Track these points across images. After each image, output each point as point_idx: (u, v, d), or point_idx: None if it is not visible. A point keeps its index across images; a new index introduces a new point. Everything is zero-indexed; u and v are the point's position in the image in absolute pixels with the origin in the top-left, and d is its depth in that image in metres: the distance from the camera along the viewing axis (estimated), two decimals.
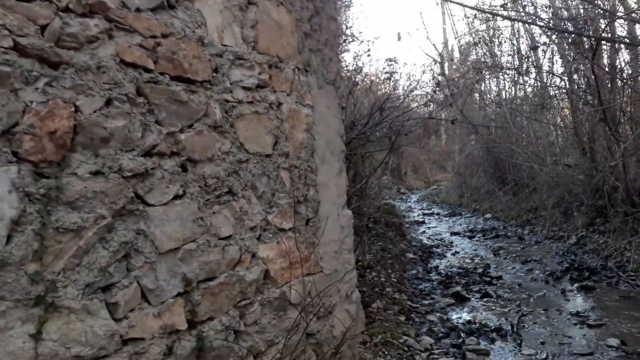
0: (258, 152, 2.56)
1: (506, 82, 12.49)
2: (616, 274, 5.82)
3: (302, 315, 2.67)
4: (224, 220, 2.28)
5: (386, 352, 3.73)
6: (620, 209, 7.24)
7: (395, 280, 5.91)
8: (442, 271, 6.78)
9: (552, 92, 9.50)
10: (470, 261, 7.41)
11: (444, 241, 9.17)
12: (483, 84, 13.11)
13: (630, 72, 7.08)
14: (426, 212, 13.78)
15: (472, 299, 5.50)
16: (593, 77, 6.43)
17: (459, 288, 5.66)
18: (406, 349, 3.92)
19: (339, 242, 3.25)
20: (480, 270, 6.67)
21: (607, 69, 6.92)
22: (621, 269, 5.95)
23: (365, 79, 9.05)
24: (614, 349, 3.74)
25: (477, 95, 13.18)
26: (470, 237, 9.36)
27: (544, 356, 3.76)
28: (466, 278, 6.33)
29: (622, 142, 6.80)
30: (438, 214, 13.22)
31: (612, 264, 6.18)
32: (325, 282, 3.02)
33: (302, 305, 2.76)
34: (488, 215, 11.53)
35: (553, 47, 8.21)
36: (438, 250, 8.37)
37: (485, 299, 5.47)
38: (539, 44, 7.56)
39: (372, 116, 7.61)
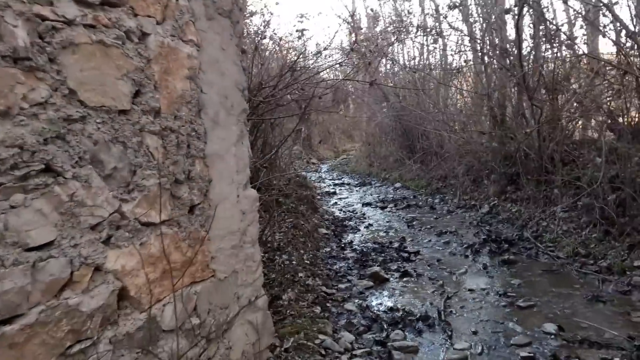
0: (104, 106, 1.63)
1: (416, 48, 12.18)
2: (534, 245, 5.63)
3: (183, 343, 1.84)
4: (35, 217, 1.36)
5: None
6: (532, 176, 7.17)
7: (308, 262, 5.24)
8: (357, 247, 6.24)
9: (466, 57, 9.26)
10: (384, 234, 6.96)
11: (357, 213, 8.70)
12: (395, 49, 12.72)
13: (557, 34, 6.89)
14: (337, 182, 13.33)
15: (392, 279, 4.99)
16: (516, 36, 6.09)
17: (376, 268, 5.11)
18: (323, 351, 3.26)
19: (239, 233, 2.43)
20: (396, 245, 6.22)
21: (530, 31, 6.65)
22: (538, 239, 5.78)
23: (275, 36, 8.13)
24: (552, 336, 3.37)
25: (389, 61, 12.77)
26: (382, 208, 8.98)
27: (479, 350, 3.29)
28: (383, 254, 5.84)
29: (539, 108, 6.62)
30: (349, 184, 12.81)
31: (529, 234, 6.03)
32: (219, 290, 2.20)
33: (184, 330, 1.93)
34: (398, 185, 11.30)
35: (472, 7, 7.86)
36: (351, 223, 7.86)
37: (405, 279, 4.99)
38: (457, 3, 7.13)
39: (283, 77, 6.74)
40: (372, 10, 16.09)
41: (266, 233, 5.58)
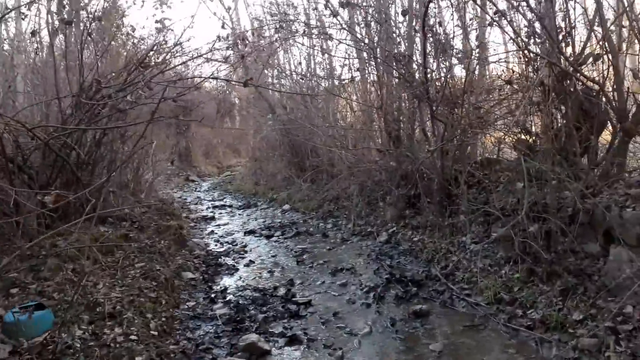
0: None
1: (302, 53, 11.13)
2: (446, 286, 4.67)
3: None
4: None
5: None
6: (433, 200, 6.33)
7: (156, 332, 3.70)
8: (232, 298, 4.79)
9: (355, 65, 8.34)
10: (269, 275, 5.61)
11: (237, 244, 7.25)
12: (280, 56, 11.55)
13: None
14: (217, 203, 11.74)
15: (274, 350, 3.64)
16: (422, 40, 5.18)
17: (254, 336, 3.70)
18: None
19: None
20: (282, 292, 4.90)
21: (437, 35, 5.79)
22: (450, 278, 4.84)
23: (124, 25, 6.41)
24: None
25: (273, 68, 11.56)
26: (268, 237, 7.64)
27: None
28: (265, 308, 4.47)
29: (442, 122, 5.78)
30: (231, 206, 11.29)
31: (438, 271, 5.07)
32: None
33: None
34: (286, 207, 10.05)
35: (370, 5, 6.90)
36: (228, 260, 6.39)
37: (293, 348, 3.69)
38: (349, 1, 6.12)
39: (130, 74, 5.11)
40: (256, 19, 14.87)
41: (94, 291, 3.93)
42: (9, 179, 5.18)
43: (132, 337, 3.40)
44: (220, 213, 10.33)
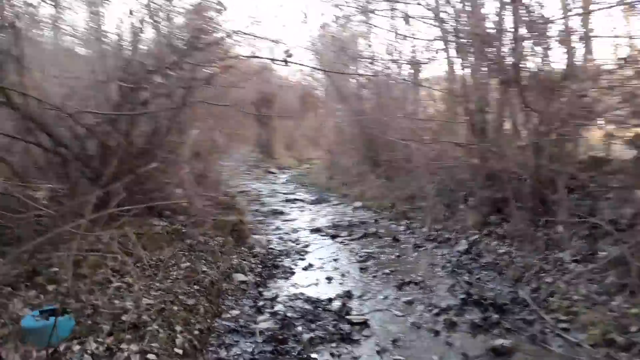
0: None
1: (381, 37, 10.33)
2: (537, 315, 3.77)
3: None
4: None
5: None
6: (525, 205, 5.36)
7: (183, 348, 3.24)
8: (280, 309, 4.25)
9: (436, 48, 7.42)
10: (326, 283, 5.00)
11: (299, 244, 6.74)
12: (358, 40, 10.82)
13: None
14: (290, 197, 11.35)
15: None
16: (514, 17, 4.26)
17: None
18: None
19: None
20: (337, 305, 4.27)
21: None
22: (542, 305, 3.93)
23: None
24: None
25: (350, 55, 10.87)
26: (333, 237, 7.04)
27: None
28: (314, 325, 3.88)
29: (537, 113, 4.81)
30: (302, 200, 10.85)
31: (527, 294, 4.17)
32: None
33: None
34: (358, 204, 9.40)
35: None
36: (287, 261, 5.88)
37: None
38: None
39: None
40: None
41: (125, 294, 3.57)
42: (64, 166, 5.06)
43: (151, 355, 2.96)
44: (291, 207, 9.91)
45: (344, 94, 11.73)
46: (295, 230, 7.64)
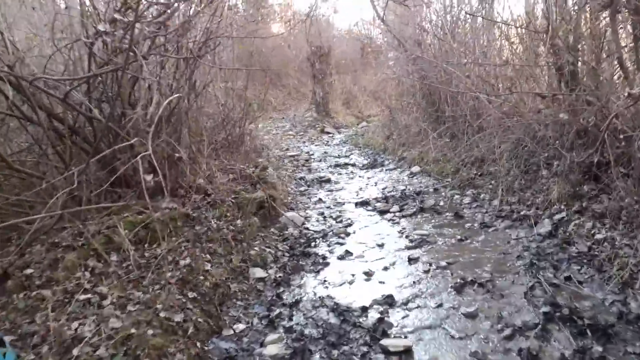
0: None
1: None
2: None
3: None
4: None
5: None
6: (633, 172, 3.94)
7: None
8: (299, 322, 3.29)
9: None
10: (363, 281, 3.95)
11: (341, 221, 5.70)
12: None
13: None
14: (341, 161, 10.26)
15: None
16: None
17: None
18: None
19: None
20: (372, 319, 3.22)
21: None
22: None
23: None
24: None
25: None
26: (382, 213, 5.91)
27: None
28: (336, 352, 2.87)
29: None
30: (354, 164, 9.72)
31: None
32: None
33: None
34: (416, 169, 8.13)
35: None
36: (322, 246, 4.88)
37: None
38: None
39: None
40: None
41: (89, 313, 2.75)
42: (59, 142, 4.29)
43: None
44: (340, 174, 8.83)
45: (402, 39, 10.22)
46: (339, 203, 6.59)
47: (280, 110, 21.91)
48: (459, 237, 4.77)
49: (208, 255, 3.88)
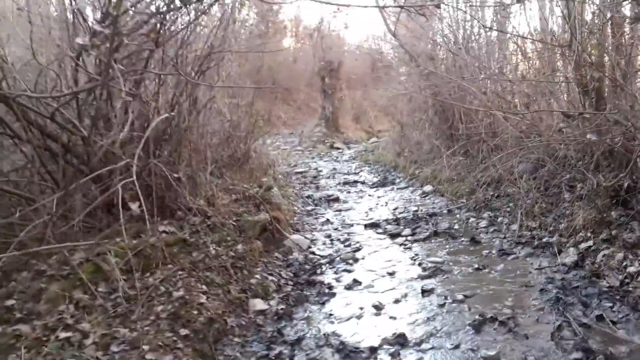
0: None
1: None
2: None
3: None
4: None
5: None
6: None
7: None
8: None
9: None
10: (372, 315, 3.62)
11: (349, 244, 5.39)
12: None
13: None
14: (350, 178, 9.98)
15: None
16: None
17: None
18: None
19: None
20: None
21: None
22: None
23: None
24: None
25: None
26: (393, 236, 5.59)
27: None
28: None
29: None
30: (364, 182, 9.43)
31: None
32: None
33: None
34: (428, 188, 7.81)
35: None
36: (329, 273, 4.57)
37: None
38: None
39: None
40: None
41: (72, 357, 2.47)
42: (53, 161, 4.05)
43: None
44: (349, 192, 8.54)
45: (415, 53, 9.98)
46: (347, 225, 6.29)
47: (289, 125, 21.69)
48: (476, 265, 4.43)
49: (204, 286, 3.59)
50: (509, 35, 6.75)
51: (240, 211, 5.06)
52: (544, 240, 4.63)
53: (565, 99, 5.97)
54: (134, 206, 2.79)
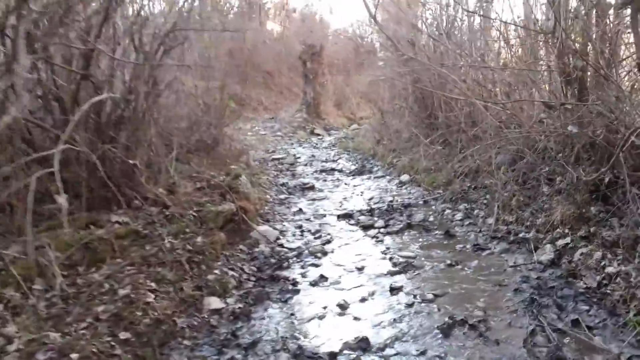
0: None
1: None
2: None
3: None
4: None
5: None
6: None
7: None
8: None
9: None
10: (336, 315, 3.39)
11: (319, 237, 5.14)
12: None
13: None
14: (328, 166, 9.71)
15: None
16: None
17: None
18: None
19: None
20: None
21: None
22: None
23: None
24: None
25: None
26: (366, 228, 5.36)
27: None
28: None
29: None
30: (341, 170, 9.17)
31: None
32: None
33: None
34: (405, 177, 7.59)
35: None
36: (295, 267, 4.31)
37: None
38: None
39: None
40: None
41: None
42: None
43: None
44: (325, 180, 8.28)
45: (395, 39, 9.67)
46: (320, 215, 6.03)
47: (270, 109, 21.22)
48: (449, 261, 4.22)
49: (153, 284, 3.29)
50: (492, 20, 6.48)
51: (203, 201, 4.77)
52: (521, 235, 4.44)
53: (547, 88, 5.76)
54: (60, 199, 2.47)
